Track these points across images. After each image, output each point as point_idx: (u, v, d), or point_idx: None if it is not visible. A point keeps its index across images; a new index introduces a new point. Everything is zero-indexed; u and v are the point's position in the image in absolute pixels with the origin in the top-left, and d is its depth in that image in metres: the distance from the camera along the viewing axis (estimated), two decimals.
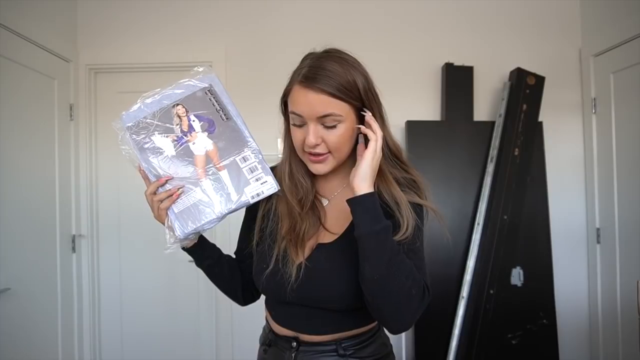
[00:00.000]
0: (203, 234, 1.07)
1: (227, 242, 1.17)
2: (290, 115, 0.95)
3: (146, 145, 0.96)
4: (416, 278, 0.88)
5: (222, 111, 0.97)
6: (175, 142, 0.97)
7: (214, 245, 1.11)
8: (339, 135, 0.92)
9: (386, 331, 1.12)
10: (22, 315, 2.08)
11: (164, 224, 0.98)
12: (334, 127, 0.92)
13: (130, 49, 2.55)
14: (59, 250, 2.36)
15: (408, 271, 0.87)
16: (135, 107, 0.97)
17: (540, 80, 2.40)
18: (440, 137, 2.42)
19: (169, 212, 0.97)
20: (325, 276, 0.96)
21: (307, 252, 0.99)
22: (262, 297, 1.15)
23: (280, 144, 2.32)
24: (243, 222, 1.16)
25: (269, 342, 1.08)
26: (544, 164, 2.39)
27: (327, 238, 1.00)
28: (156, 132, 0.96)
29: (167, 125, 0.96)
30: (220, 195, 0.97)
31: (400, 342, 2.37)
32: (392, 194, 0.96)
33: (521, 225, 2.32)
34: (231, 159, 0.97)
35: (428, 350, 2.31)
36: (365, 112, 0.93)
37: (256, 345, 1.15)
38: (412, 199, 0.97)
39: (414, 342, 2.34)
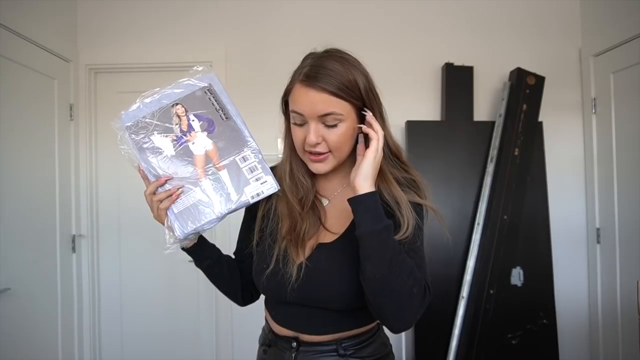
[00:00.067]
0: (203, 234, 1.06)
1: (227, 242, 1.17)
2: (291, 114, 0.95)
3: (145, 145, 0.96)
4: (417, 277, 0.88)
5: (222, 110, 0.97)
6: (175, 142, 0.96)
7: (213, 246, 1.11)
8: (339, 135, 0.92)
9: (386, 331, 1.12)
10: (22, 315, 2.08)
11: (163, 224, 0.98)
12: (334, 126, 0.92)
13: (130, 49, 2.55)
14: (59, 250, 2.36)
15: (409, 270, 0.87)
16: (134, 106, 0.96)
17: (540, 80, 2.40)
18: (440, 137, 2.42)
19: (168, 212, 0.97)
20: (326, 276, 0.96)
21: (307, 252, 0.99)
22: (262, 298, 1.15)
23: (280, 144, 2.33)
24: (242, 222, 1.16)
25: (269, 343, 1.07)
26: (544, 164, 2.39)
27: (327, 238, 1.00)
28: (155, 132, 0.96)
29: (167, 124, 0.96)
30: (220, 195, 0.96)
31: (400, 342, 2.37)
32: (392, 194, 0.96)
33: (521, 225, 2.32)
34: (231, 158, 0.97)
35: (428, 350, 2.31)
36: (365, 111, 0.94)
37: (256, 346, 1.15)
38: (412, 198, 0.98)
39: (414, 342, 2.34)
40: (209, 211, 0.96)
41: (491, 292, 2.26)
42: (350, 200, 0.89)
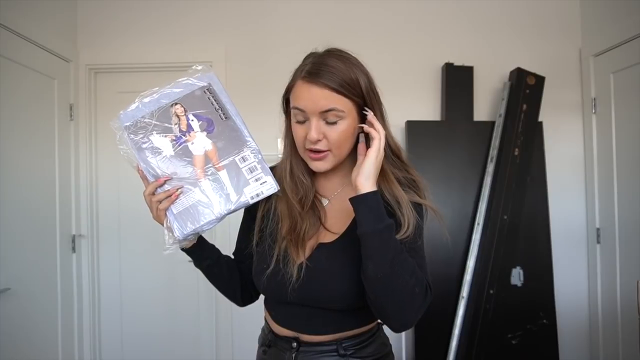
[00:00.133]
0: (202, 234, 1.06)
1: (227, 243, 1.17)
2: (293, 111, 0.95)
3: (144, 145, 0.95)
4: (419, 277, 0.88)
5: (221, 110, 0.96)
6: (174, 142, 0.96)
7: (213, 246, 1.11)
8: (340, 132, 0.93)
9: (386, 330, 1.12)
10: (22, 315, 2.08)
11: (162, 224, 0.98)
12: (335, 123, 0.92)
13: (130, 49, 2.55)
14: (59, 250, 2.36)
15: (411, 270, 0.87)
16: (133, 106, 0.96)
17: (540, 80, 2.40)
18: (440, 137, 2.41)
19: (167, 213, 0.96)
20: (327, 276, 0.96)
21: (307, 252, 0.99)
22: (261, 298, 1.15)
23: (280, 144, 2.33)
24: (242, 222, 1.15)
25: (269, 343, 1.07)
26: (544, 164, 2.39)
27: (327, 238, 1.00)
28: (154, 132, 0.95)
29: (166, 124, 0.95)
30: (220, 195, 0.96)
31: (400, 342, 2.37)
32: (393, 193, 0.97)
33: (521, 225, 2.32)
34: (230, 159, 0.96)
35: (428, 350, 2.31)
36: (367, 111, 0.94)
37: (256, 346, 1.15)
38: (412, 198, 0.98)
39: (414, 342, 2.34)
40: (208, 212, 0.96)
41: (491, 292, 2.26)
42: (352, 200, 0.89)
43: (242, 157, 0.96)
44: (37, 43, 2.19)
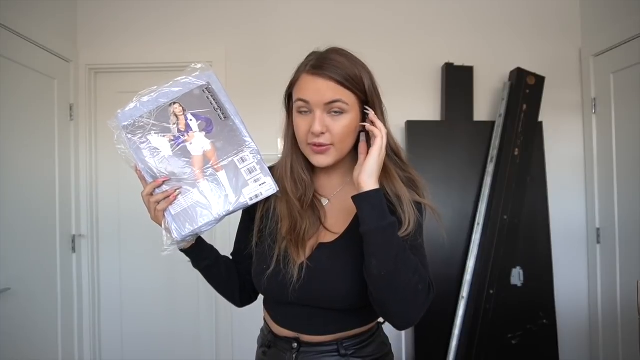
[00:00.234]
0: (201, 235, 1.05)
1: (227, 243, 1.17)
2: (296, 104, 0.95)
3: (142, 145, 0.95)
4: (422, 274, 0.89)
5: (220, 110, 0.96)
6: (172, 142, 0.95)
7: (211, 247, 1.10)
8: (343, 126, 0.93)
9: (386, 330, 1.12)
10: (22, 315, 2.08)
11: (160, 225, 0.97)
12: (339, 116, 0.93)
13: (130, 49, 2.55)
14: (59, 250, 2.36)
15: (414, 267, 0.88)
16: (131, 105, 0.95)
17: (540, 80, 2.40)
18: (440, 137, 2.41)
19: (165, 214, 0.96)
20: (328, 276, 0.96)
21: (308, 252, 0.99)
22: (260, 298, 1.14)
23: (280, 144, 2.32)
24: (240, 223, 1.15)
25: (269, 344, 1.07)
26: (544, 164, 2.39)
27: (327, 237, 1.00)
28: (153, 132, 0.94)
29: (164, 124, 0.94)
30: (218, 196, 0.95)
31: (400, 342, 2.37)
32: (395, 191, 0.97)
33: (521, 225, 2.32)
34: (229, 159, 0.96)
35: (428, 350, 2.31)
36: (368, 109, 0.94)
37: (256, 346, 1.15)
38: (412, 196, 0.98)
39: (414, 342, 2.34)
40: (206, 213, 0.95)
41: (491, 292, 2.26)
42: (354, 197, 0.89)
43: (241, 158, 0.96)
44: (37, 43, 2.19)
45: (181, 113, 0.95)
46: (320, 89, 0.91)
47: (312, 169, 1.04)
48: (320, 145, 0.94)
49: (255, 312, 1.24)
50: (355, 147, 1.00)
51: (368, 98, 0.96)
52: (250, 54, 2.55)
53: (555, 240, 2.40)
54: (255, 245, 1.06)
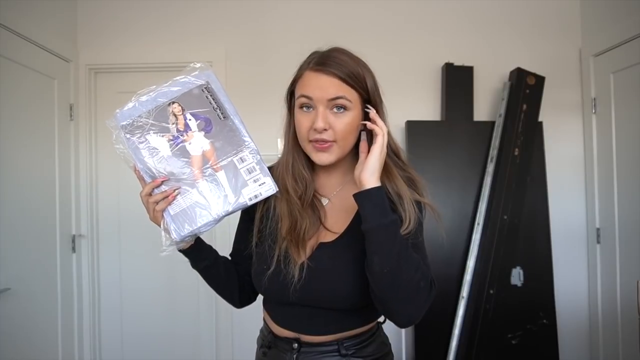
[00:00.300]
0: (200, 236, 1.04)
1: (227, 243, 1.16)
2: (298, 100, 0.96)
3: (141, 145, 0.94)
4: (424, 271, 0.89)
5: (219, 109, 0.95)
6: (171, 142, 0.94)
7: (210, 247, 1.09)
8: (346, 123, 0.93)
9: (385, 330, 1.12)
10: (22, 315, 2.08)
11: (159, 226, 0.96)
12: (342, 113, 0.93)
13: (130, 49, 2.55)
14: (59, 250, 2.36)
15: (416, 264, 0.88)
16: (129, 105, 0.94)
17: (540, 80, 2.40)
18: (440, 137, 2.41)
19: (164, 214, 0.95)
20: (329, 275, 0.96)
21: (308, 251, 0.99)
22: (259, 298, 1.14)
23: (280, 144, 2.32)
24: (239, 223, 1.15)
25: (269, 344, 1.07)
26: (544, 164, 2.39)
27: (328, 237, 1.00)
28: (151, 132, 0.94)
29: (163, 124, 0.94)
30: (217, 197, 0.94)
31: (400, 342, 2.37)
32: (395, 189, 0.97)
33: (521, 225, 2.32)
34: (229, 159, 0.95)
35: (428, 350, 2.31)
36: (369, 108, 0.95)
37: (256, 346, 1.15)
38: (411, 195, 0.98)
39: (414, 342, 2.34)
40: (205, 213, 0.94)
41: (491, 292, 2.26)
42: (356, 195, 0.89)
43: (241, 158, 0.95)
44: (37, 43, 2.19)
45: (180, 113, 0.94)
46: (324, 85, 0.92)
47: (312, 167, 1.04)
48: (322, 142, 0.94)
49: (255, 312, 1.24)
50: (355, 147, 1.00)
51: (370, 97, 0.96)
52: (250, 53, 2.55)
53: (555, 240, 2.40)
54: (255, 245, 1.06)
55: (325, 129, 0.93)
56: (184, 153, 0.94)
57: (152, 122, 0.94)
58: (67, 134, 2.47)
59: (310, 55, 0.98)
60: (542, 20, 2.51)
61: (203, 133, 0.94)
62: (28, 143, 2.16)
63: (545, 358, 2.31)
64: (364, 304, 0.95)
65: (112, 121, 0.95)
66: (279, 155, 1.10)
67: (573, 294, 2.45)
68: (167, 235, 0.95)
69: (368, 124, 0.93)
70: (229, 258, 1.15)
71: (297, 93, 0.96)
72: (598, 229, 2.39)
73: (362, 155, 0.95)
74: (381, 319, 1.09)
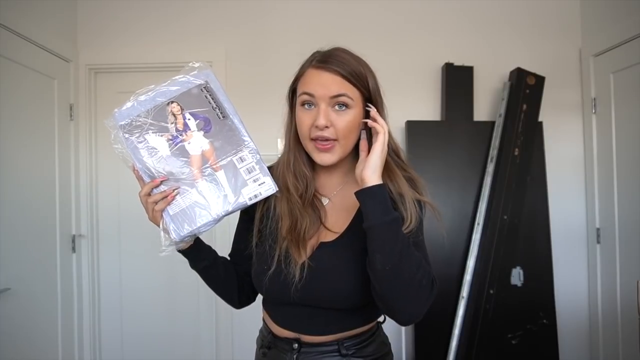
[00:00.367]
0: (199, 236, 1.04)
1: (227, 243, 1.16)
2: (300, 98, 0.96)
3: (140, 145, 0.93)
4: (425, 269, 0.89)
5: (219, 109, 0.95)
6: (170, 142, 0.93)
7: (209, 247, 1.09)
8: (348, 121, 0.93)
9: (385, 330, 1.12)
10: (22, 315, 2.08)
11: (158, 226, 0.95)
12: (343, 111, 0.93)
13: (130, 49, 2.55)
14: (59, 250, 2.36)
15: (418, 262, 0.88)
16: (128, 104, 0.94)
17: (540, 80, 2.40)
18: (440, 137, 2.41)
19: (164, 214, 0.94)
20: (330, 275, 0.96)
21: (309, 251, 0.99)
22: (258, 299, 1.14)
23: (280, 144, 2.32)
24: (239, 223, 1.14)
25: (269, 345, 1.07)
26: (544, 164, 2.39)
27: (328, 237, 1.00)
28: (150, 131, 0.93)
29: (162, 123, 0.93)
30: (217, 196, 0.94)
31: (400, 342, 2.37)
32: (396, 188, 0.97)
33: (521, 225, 2.32)
34: (228, 159, 0.94)
35: (428, 350, 2.31)
36: (370, 107, 0.95)
37: (256, 346, 1.15)
38: (412, 194, 0.98)
39: (414, 342, 2.34)
40: (205, 213, 0.93)
41: (491, 292, 2.26)
42: (358, 193, 0.89)
43: (240, 157, 0.94)
44: (37, 43, 2.19)
45: (179, 112, 0.94)
46: (326, 83, 0.92)
47: (313, 167, 1.04)
48: (324, 140, 0.94)
49: (256, 312, 1.24)
50: (356, 147, 1.00)
51: (371, 96, 0.96)
52: (250, 53, 2.54)
53: (555, 240, 2.40)
54: (255, 245, 1.05)
55: (327, 126, 0.93)
56: (183, 153, 0.94)
57: (151, 121, 0.93)
58: (67, 134, 2.47)
59: (312, 54, 0.99)
60: (542, 20, 2.51)
61: (202, 132, 0.94)
62: (28, 143, 2.16)
63: (545, 358, 2.31)
64: (364, 303, 0.95)
65: (111, 121, 0.95)
66: (279, 156, 1.10)
67: (573, 294, 2.45)
68: (167, 236, 0.95)
69: (369, 121, 0.93)
70: (228, 258, 1.15)
71: (299, 90, 0.96)
72: (598, 229, 2.39)
73: (362, 153, 0.96)
74: (381, 318, 1.09)
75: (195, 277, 1.09)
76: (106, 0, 2.57)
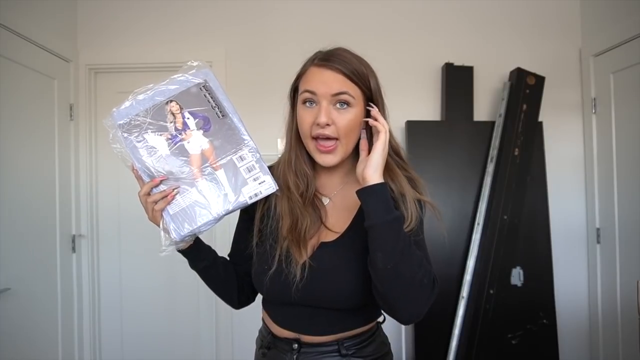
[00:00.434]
0: (199, 236, 1.03)
1: (227, 243, 1.16)
2: (302, 95, 0.96)
3: (139, 144, 0.93)
4: (427, 268, 0.89)
5: (218, 108, 0.94)
6: (170, 141, 0.93)
7: (209, 247, 1.08)
8: (349, 120, 0.94)
9: (385, 330, 1.12)
10: (22, 315, 2.08)
11: (158, 226, 0.95)
12: (345, 109, 0.93)
13: (130, 49, 2.55)
14: (59, 250, 2.36)
15: (419, 261, 0.88)
16: (126, 103, 0.93)
17: (540, 80, 2.40)
18: (440, 137, 2.41)
19: (164, 214, 0.93)
20: (330, 275, 0.96)
21: (309, 251, 0.99)
22: (258, 299, 1.14)
23: (280, 144, 2.33)
24: (239, 223, 1.14)
25: (268, 345, 1.06)
26: (544, 164, 2.39)
27: (329, 237, 1.00)
28: (149, 130, 0.93)
29: (161, 123, 0.93)
30: (217, 195, 0.93)
31: (400, 342, 2.37)
32: (398, 187, 0.97)
33: (521, 225, 2.32)
34: (228, 158, 0.94)
35: (428, 350, 2.31)
36: (371, 106, 0.95)
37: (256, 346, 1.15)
38: (413, 194, 0.98)
39: (414, 342, 2.34)
40: (205, 212, 0.93)
41: (491, 292, 2.26)
42: (359, 191, 0.89)
43: (240, 156, 0.94)
44: (37, 43, 2.19)
45: (178, 111, 0.93)
46: (328, 81, 0.92)
47: (313, 166, 1.04)
48: (326, 139, 0.94)
49: (256, 312, 1.24)
50: (356, 148, 1.00)
51: (372, 96, 0.97)
52: (250, 53, 2.54)
53: (555, 240, 2.40)
54: (256, 245, 1.05)
55: (328, 124, 0.93)
56: (182, 152, 0.93)
57: (150, 120, 0.93)
58: (67, 134, 2.47)
59: (314, 54, 0.99)
60: (542, 20, 2.51)
61: (202, 132, 0.93)
62: (28, 143, 2.16)
63: (545, 358, 2.31)
64: (365, 303, 0.95)
65: (109, 120, 0.94)
66: (279, 156, 1.09)
67: (573, 294, 2.45)
68: (167, 235, 0.94)
69: (370, 120, 0.94)
70: (228, 258, 1.15)
71: (301, 88, 0.96)
72: (598, 229, 2.39)
73: (362, 152, 0.96)
74: (381, 318, 1.09)
75: (195, 277, 1.09)
76: (106, 0, 2.57)
